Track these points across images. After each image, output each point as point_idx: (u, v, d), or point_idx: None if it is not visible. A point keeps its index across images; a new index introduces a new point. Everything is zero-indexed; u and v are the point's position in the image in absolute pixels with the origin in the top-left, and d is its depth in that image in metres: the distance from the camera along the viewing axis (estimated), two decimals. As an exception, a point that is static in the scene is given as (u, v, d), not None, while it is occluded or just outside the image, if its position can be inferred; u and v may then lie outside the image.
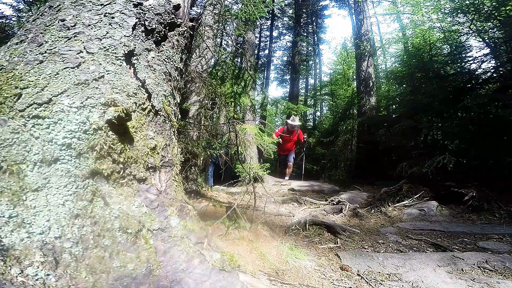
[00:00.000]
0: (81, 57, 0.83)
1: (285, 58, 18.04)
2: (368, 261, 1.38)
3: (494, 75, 3.62)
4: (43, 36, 0.85)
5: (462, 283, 1.12)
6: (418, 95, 4.31)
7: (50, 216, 0.61)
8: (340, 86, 11.27)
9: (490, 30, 3.82)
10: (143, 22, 1.01)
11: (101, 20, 0.93)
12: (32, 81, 0.73)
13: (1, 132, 0.64)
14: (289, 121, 6.00)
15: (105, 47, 0.88)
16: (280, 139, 5.75)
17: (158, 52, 1.05)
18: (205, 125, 3.13)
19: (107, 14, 0.95)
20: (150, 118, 0.92)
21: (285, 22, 16.66)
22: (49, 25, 0.88)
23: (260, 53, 16.76)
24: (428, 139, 4.07)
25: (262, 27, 16.62)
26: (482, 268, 1.24)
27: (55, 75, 0.77)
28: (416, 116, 4.08)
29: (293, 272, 1.22)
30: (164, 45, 1.09)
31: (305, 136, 6.34)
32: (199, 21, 1.54)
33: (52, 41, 0.84)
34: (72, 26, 0.88)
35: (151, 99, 0.93)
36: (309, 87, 16.34)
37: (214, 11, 3.31)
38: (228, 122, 2.62)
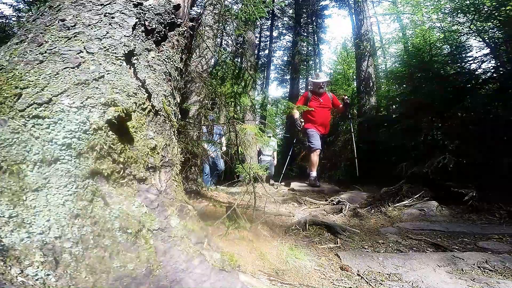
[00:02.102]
0: (81, 57, 0.83)
1: (285, 58, 18.07)
2: (368, 261, 1.38)
3: (494, 75, 3.62)
4: (43, 36, 0.85)
5: (462, 283, 1.12)
6: (418, 95, 4.32)
7: (50, 216, 0.61)
8: (340, 86, 11.28)
9: (490, 30, 3.82)
10: (143, 22, 1.01)
11: (101, 20, 0.93)
12: (32, 81, 0.73)
13: (1, 132, 0.64)
14: (312, 80, 4.20)
15: (105, 47, 0.88)
16: (302, 111, 3.83)
17: (158, 52, 1.05)
18: (205, 125, 3.13)
19: (107, 14, 0.95)
20: (150, 118, 0.92)
21: (285, 22, 16.67)
22: (49, 25, 0.88)
23: (260, 53, 16.78)
24: (428, 139, 4.07)
25: (262, 27, 16.64)
26: (482, 268, 1.24)
27: (55, 75, 0.77)
28: (416, 116, 4.08)
29: (293, 272, 1.22)
30: (164, 45, 1.09)
31: (347, 98, 4.24)
32: (199, 21, 1.54)
33: (52, 41, 0.84)
34: (72, 26, 0.88)
35: (151, 99, 0.93)
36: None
37: (214, 11, 3.31)
38: (228, 122, 2.62)
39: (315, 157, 3.99)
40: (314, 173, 4.02)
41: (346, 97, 4.23)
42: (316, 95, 4.06)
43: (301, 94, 5.22)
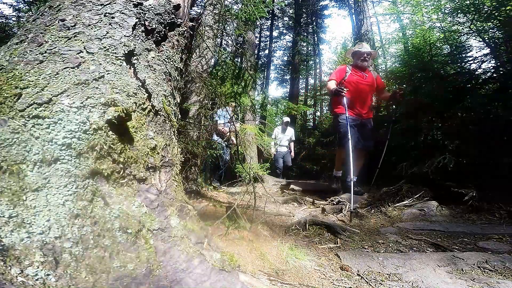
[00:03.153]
0: (81, 57, 0.83)
1: (285, 58, 18.09)
2: (368, 261, 1.38)
3: (494, 75, 3.62)
4: (43, 36, 0.85)
5: (462, 283, 1.12)
6: (418, 95, 4.31)
7: (50, 216, 0.61)
8: (340, 86, 11.24)
9: (490, 30, 3.82)
10: (143, 22, 1.01)
11: (101, 20, 0.93)
12: (32, 81, 0.73)
13: (1, 132, 0.64)
14: (354, 48, 3.22)
15: (105, 47, 0.88)
16: (342, 87, 2.86)
17: (158, 52, 1.05)
18: (205, 125, 3.13)
19: (107, 14, 0.95)
20: (150, 118, 0.92)
21: (285, 22, 16.69)
22: (49, 25, 0.88)
23: (260, 53, 16.79)
24: (428, 139, 4.07)
25: (262, 27, 16.66)
26: (482, 268, 1.24)
27: (55, 75, 0.77)
28: (416, 116, 4.08)
29: (293, 272, 1.22)
30: (164, 45, 1.09)
31: (402, 91, 3.12)
32: (199, 21, 1.54)
33: (52, 41, 0.84)
34: (72, 26, 0.88)
35: (151, 99, 0.93)
36: (309, 87, 16.37)
37: (214, 11, 3.31)
38: (228, 122, 2.63)
39: (342, 154, 3.03)
40: (339, 173, 3.10)
41: (401, 91, 3.17)
42: (357, 69, 3.07)
43: (343, 64, 3.43)
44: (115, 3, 0.99)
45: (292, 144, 6.52)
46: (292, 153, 6.59)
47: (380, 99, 3.53)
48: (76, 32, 0.87)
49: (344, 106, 2.91)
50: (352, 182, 2.59)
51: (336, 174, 3.19)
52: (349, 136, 2.76)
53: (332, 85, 3.05)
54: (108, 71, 0.85)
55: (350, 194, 2.42)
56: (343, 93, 2.86)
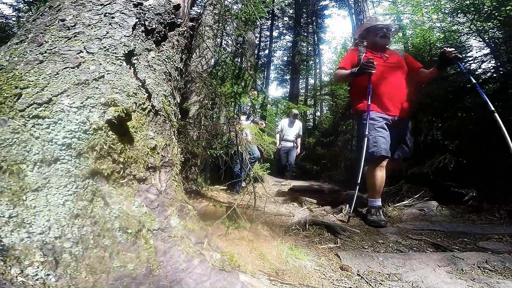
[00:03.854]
0: (81, 57, 0.83)
1: (285, 58, 18.10)
2: (368, 261, 1.38)
3: (494, 75, 3.62)
4: (43, 36, 0.85)
5: (462, 283, 1.12)
6: (418, 95, 4.31)
7: (50, 216, 0.61)
8: (340, 86, 11.25)
9: (490, 30, 3.82)
10: (143, 22, 1.01)
11: (101, 20, 0.93)
12: (32, 81, 0.73)
13: (1, 132, 0.64)
14: (368, 22, 2.37)
15: (105, 47, 0.88)
16: (371, 60, 2.01)
17: (158, 52, 1.05)
18: (205, 125, 3.14)
19: (107, 14, 0.95)
20: (150, 118, 0.92)
21: (285, 22, 16.70)
22: (49, 25, 0.88)
23: (260, 53, 16.80)
24: (428, 139, 4.07)
25: (262, 27, 16.67)
26: (482, 268, 1.24)
27: (55, 75, 0.77)
28: (416, 116, 4.08)
29: (293, 272, 1.22)
30: (164, 45, 1.09)
31: (453, 50, 2.06)
32: (199, 21, 1.54)
33: (52, 41, 0.84)
34: (72, 26, 0.88)
35: (151, 99, 0.93)
36: (309, 87, 16.38)
37: (214, 11, 3.31)
38: (228, 122, 2.63)
39: (378, 172, 2.13)
40: (377, 202, 2.16)
41: (451, 49, 2.08)
42: (375, 49, 2.23)
43: (355, 46, 2.40)
44: (115, 3, 0.99)
45: (299, 140, 6.15)
46: (298, 150, 6.19)
47: (423, 80, 2.36)
48: (76, 32, 0.87)
49: (371, 98, 2.08)
50: (358, 186, 2.13)
51: (374, 203, 2.16)
52: (377, 142, 2.07)
53: (343, 70, 2.24)
54: (108, 71, 0.85)
55: (351, 195, 2.39)
56: (372, 70, 1.99)
